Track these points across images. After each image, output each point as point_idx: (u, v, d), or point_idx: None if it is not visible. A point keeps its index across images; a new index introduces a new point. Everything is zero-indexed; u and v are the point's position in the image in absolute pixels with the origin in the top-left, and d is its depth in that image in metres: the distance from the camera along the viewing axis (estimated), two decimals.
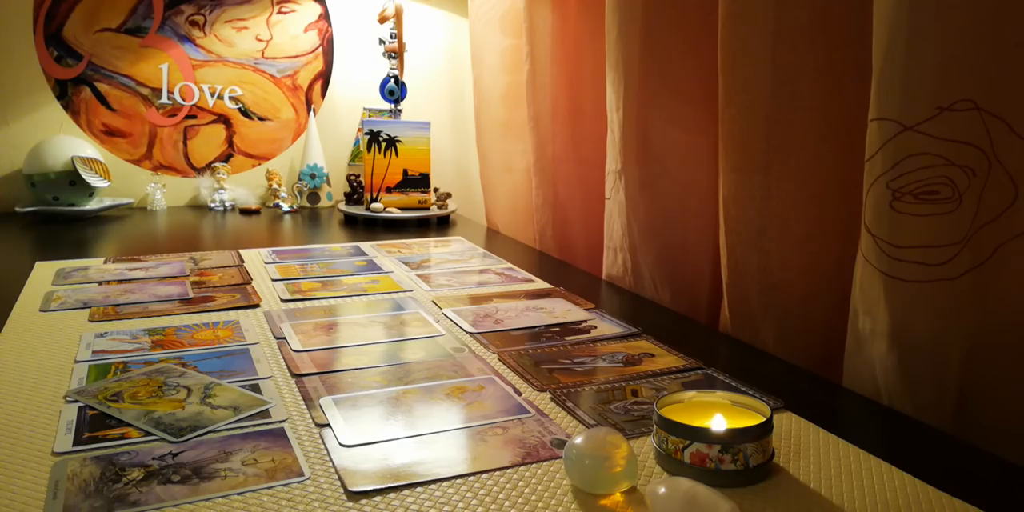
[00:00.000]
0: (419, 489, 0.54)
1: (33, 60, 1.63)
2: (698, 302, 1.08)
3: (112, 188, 1.64)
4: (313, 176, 1.79)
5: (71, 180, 1.56)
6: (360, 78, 1.86)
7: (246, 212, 1.72)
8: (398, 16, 1.70)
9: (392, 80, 1.74)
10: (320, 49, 1.83)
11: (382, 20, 1.71)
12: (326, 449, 0.59)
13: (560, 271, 1.24)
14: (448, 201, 1.71)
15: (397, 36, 1.71)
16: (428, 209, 1.64)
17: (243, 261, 1.22)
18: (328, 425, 0.63)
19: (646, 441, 0.61)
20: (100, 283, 1.06)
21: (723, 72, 0.88)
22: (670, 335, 0.88)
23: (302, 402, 0.68)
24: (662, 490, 0.50)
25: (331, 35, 1.84)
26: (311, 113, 1.83)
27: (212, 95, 1.76)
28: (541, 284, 1.11)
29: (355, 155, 1.89)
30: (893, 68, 0.66)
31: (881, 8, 0.67)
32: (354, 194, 1.69)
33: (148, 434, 0.61)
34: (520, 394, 0.70)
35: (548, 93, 1.41)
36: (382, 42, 1.73)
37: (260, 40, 1.78)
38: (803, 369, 0.81)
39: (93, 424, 0.62)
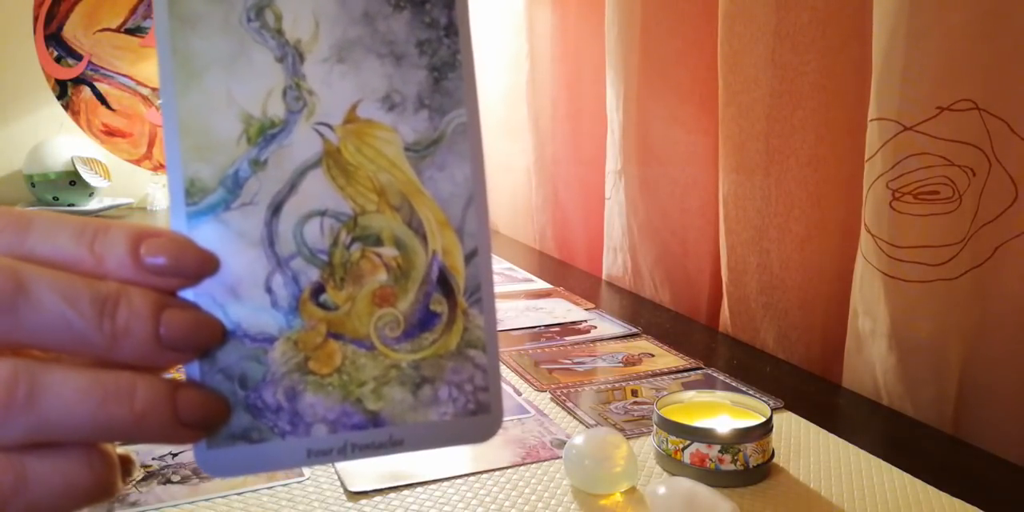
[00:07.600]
0: (419, 489, 0.54)
1: (33, 60, 1.63)
2: (698, 302, 1.08)
3: (112, 188, 1.64)
4: None
5: (71, 180, 1.56)
6: None
7: None
8: None
9: None
10: None
11: None
12: None
13: (560, 271, 1.24)
14: None
15: None
16: None
17: None
18: None
19: (646, 441, 0.61)
20: None
21: (723, 72, 0.88)
22: (670, 335, 0.88)
23: None
24: (662, 490, 0.50)
25: None
26: None
27: None
28: (541, 284, 1.11)
29: None
30: (893, 68, 0.66)
31: (881, 8, 0.67)
32: None
33: None
34: (520, 394, 0.70)
35: (548, 93, 1.40)
36: None
37: None
38: (803, 369, 0.81)
39: None
